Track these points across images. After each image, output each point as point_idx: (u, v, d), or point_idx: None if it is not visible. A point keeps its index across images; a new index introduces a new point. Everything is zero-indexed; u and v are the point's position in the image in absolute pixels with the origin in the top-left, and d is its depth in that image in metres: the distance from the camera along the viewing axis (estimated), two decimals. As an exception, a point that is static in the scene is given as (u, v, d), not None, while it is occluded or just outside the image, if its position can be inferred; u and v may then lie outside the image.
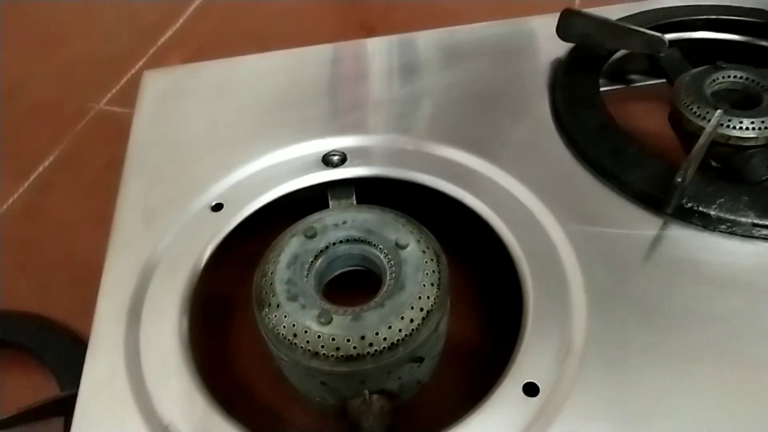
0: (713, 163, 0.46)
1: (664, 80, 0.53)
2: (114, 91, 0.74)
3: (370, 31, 0.77)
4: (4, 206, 0.62)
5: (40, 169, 0.65)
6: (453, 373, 0.40)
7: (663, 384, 0.33)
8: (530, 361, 0.34)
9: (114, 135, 0.68)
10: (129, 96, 0.72)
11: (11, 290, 0.54)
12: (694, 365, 0.33)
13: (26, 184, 0.64)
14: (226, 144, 0.48)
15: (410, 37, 0.58)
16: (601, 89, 0.50)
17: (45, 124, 0.71)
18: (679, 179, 0.37)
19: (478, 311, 0.43)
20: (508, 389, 0.33)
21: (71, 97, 0.73)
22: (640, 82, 0.57)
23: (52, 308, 0.52)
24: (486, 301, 0.43)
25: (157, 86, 0.54)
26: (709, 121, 0.43)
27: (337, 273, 0.39)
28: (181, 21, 0.83)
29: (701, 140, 0.38)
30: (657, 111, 0.52)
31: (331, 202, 0.45)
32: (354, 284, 0.39)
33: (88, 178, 0.64)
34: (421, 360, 0.35)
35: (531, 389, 0.33)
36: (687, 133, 0.46)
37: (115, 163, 0.63)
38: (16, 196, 0.63)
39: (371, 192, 0.45)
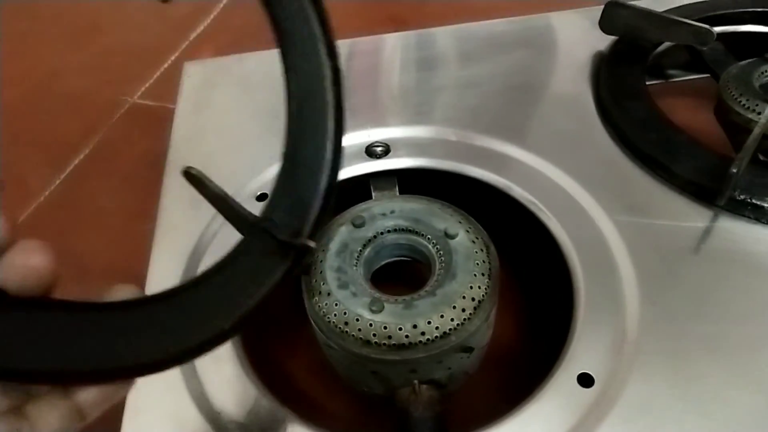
0: (761, 157, 0.45)
1: (705, 75, 0.52)
2: (148, 84, 0.74)
3: (401, 25, 0.77)
4: (42, 197, 0.62)
5: (76, 160, 0.66)
6: (498, 366, 0.40)
7: (720, 375, 0.32)
8: (584, 352, 0.33)
9: (148, 128, 0.68)
10: (163, 89, 0.73)
11: (52, 279, 0.55)
12: (750, 356, 0.33)
13: (62, 176, 0.64)
14: (269, 134, 0.48)
15: (444, 29, 0.58)
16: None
17: (80, 116, 0.71)
18: (734, 170, 0.36)
19: (525, 304, 0.42)
20: (563, 380, 0.33)
21: (105, 89, 0.74)
22: (681, 77, 0.57)
23: (93, 295, 0.53)
24: (533, 294, 0.42)
25: (198, 77, 0.55)
26: (760, 113, 0.43)
27: (384, 262, 0.39)
28: (213, 15, 0.83)
29: (756, 131, 0.38)
30: (699, 106, 0.51)
31: (374, 194, 0.45)
32: (396, 276, 0.39)
33: (123, 170, 0.65)
34: (471, 350, 0.35)
35: (586, 380, 0.33)
36: (735, 126, 0.45)
37: (149, 156, 0.64)
38: (53, 187, 0.63)
39: (414, 183, 0.45)
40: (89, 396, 0.23)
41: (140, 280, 0.41)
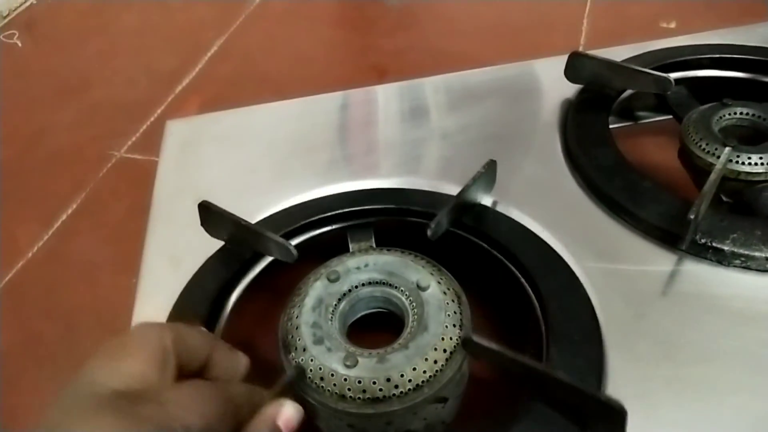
0: (724, 198, 0.47)
1: (671, 116, 0.54)
2: (134, 138, 0.76)
3: (383, 74, 0.79)
4: (30, 253, 0.63)
5: (64, 216, 0.67)
6: (476, 413, 0.40)
7: (687, 418, 0.33)
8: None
9: (135, 181, 0.70)
10: (149, 143, 0.75)
11: (38, 336, 0.56)
12: (717, 398, 0.34)
13: (51, 231, 0.66)
14: (247, 191, 0.49)
15: (421, 82, 0.60)
16: (611, 126, 0.51)
17: (67, 171, 0.73)
18: (692, 216, 0.38)
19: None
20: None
21: (93, 143, 0.76)
22: (648, 118, 0.59)
23: (79, 352, 0.54)
24: (507, 340, 0.43)
25: (179, 135, 0.56)
26: (719, 157, 0.45)
27: (359, 315, 0.40)
28: (198, 68, 0.85)
29: (712, 177, 0.39)
30: (666, 146, 0.53)
31: (351, 245, 0.46)
32: (375, 325, 0.40)
33: (110, 224, 0.66)
34: (445, 400, 0.36)
35: (555, 425, 0.33)
36: (697, 169, 0.47)
37: (136, 209, 0.65)
38: (41, 243, 0.65)
39: (391, 236, 0.46)
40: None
41: None
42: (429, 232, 0.40)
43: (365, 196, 0.48)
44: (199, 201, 0.43)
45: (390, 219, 0.46)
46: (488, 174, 0.45)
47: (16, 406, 0.50)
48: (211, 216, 0.44)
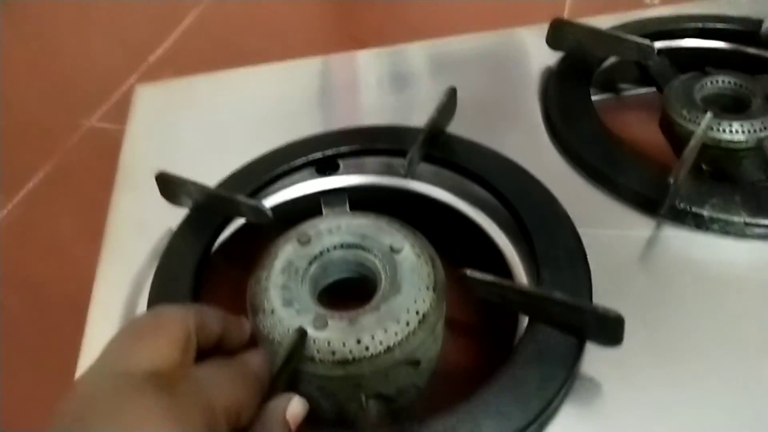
0: (705, 167, 0.46)
1: (653, 89, 0.53)
2: (105, 107, 0.74)
3: (362, 45, 0.78)
4: (-5, 223, 0.62)
5: (30, 185, 0.65)
6: (451, 377, 0.40)
7: (663, 381, 0.33)
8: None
9: (105, 151, 0.67)
10: (120, 113, 0.72)
11: (5, 306, 0.54)
12: (695, 361, 0.33)
13: (16, 200, 0.64)
14: (219, 155, 0.47)
15: (402, 48, 0.59)
16: (592, 98, 0.50)
17: (36, 141, 0.71)
18: (672, 179, 0.37)
19: (474, 316, 0.42)
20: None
21: (62, 113, 0.74)
22: (629, 90, 0.58)
23: (45, 321, 0.52)
24: (482, 307, 0.42)
25: (150, 101, 0.54)
26: (700, 125, 0.44)
27: (332, 280, 0.39)
28: (171, 38, 0.83)
29: (692, 142, 0.39)
30: (647, 119, 0.52)
31: (324, 211, 0.45)
32: (347, 294, 0.39)
33: (79, 194, 0.64)
34: (417, 364, 0.35)
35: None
36: (678, 138, 0.46)
37: (106, 179, 0.63)
38: (5, 212, 0.63)
39: (364, 201, 0.45)
40: None
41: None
42: (403, 171, 0.40)
43: (331, 138, 0.47)
44: (165, 168, 0.42)
45: (363, 179, 0.45)
46: (450, 101, 0.45)
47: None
48: (171, 186, 0.42)
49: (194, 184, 0.41)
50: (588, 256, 0.38)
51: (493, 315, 0.42)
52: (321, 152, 0.46)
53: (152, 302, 0.38)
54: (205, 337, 0.29)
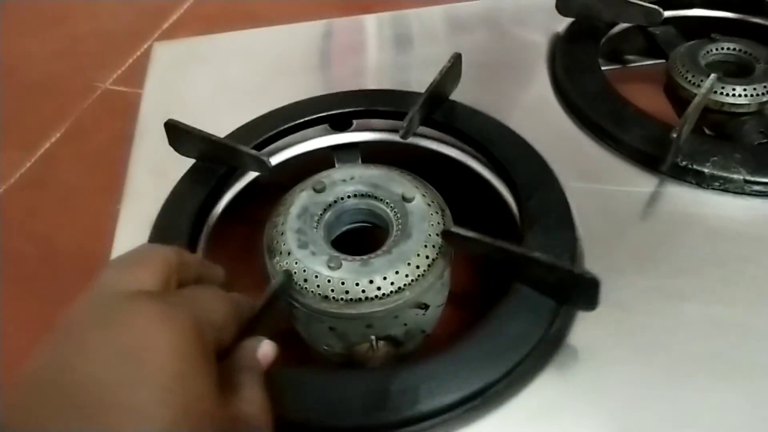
0: (707, 131, 0.47)
1: (660, 60, 0.54)
2: (120, 70, 0.75)
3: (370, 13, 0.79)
4: (12, 179, 0.63)
5: (47, 144, 0.66)
6: (456, 326, 0.41)
7: (659, 324, 0.34)
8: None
9: (120, 112, 0.69)
10: (135, 76, 0.74)
11: (19, 256, 0.55)
12: (688, 305, 0.35)
13: (33, 159, 0.65)
14: (235, 108, 0.49)
15: (408, 12, 0.60)
16: (599, 68, 0.51)
17: (51, 101, 0.72)
18: (674, 135, 0.38)
19: (481, 268, 0.44)
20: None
21: (77, 75, 0.74)
22: (636, 62, 0.59)
23: (59, 272, 0.54)
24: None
25: (167, 57, 0.56)
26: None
27: (344, 228, 0.40)
28: (186, 5, 0.84)
29: (696, 99, 0.40)
30: (653, 90, 0.53)
31: (337, 165, 0.46)
32: (358, 246, 0.40)
33: (93, 152, 0.65)
34: (426, 307, 0.36)
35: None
36: (682, 102, 0.47)
37: (120, 139, 0.64)
38: (23, 169, 0.64)
39: (376, 156, 0.46)
40: None
41: (107, 260, 0.41)
42: (401, 132, 0.41)
43: (335, 99, 0.48)
44: (187, 115, 0.43)
45: (376, 136, 0.46)
46: (455, 67, 0.46)
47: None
48: (179, 134, 0.43)
49: (199, 132, 0.42)
50: (589, 211, 0.40)
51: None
52: (331, 111, 0.47)
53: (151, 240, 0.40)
54: (184, 275, 0.30)
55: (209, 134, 0.42)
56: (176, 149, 0.44)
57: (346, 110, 0.47)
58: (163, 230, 0.41)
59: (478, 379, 0.32)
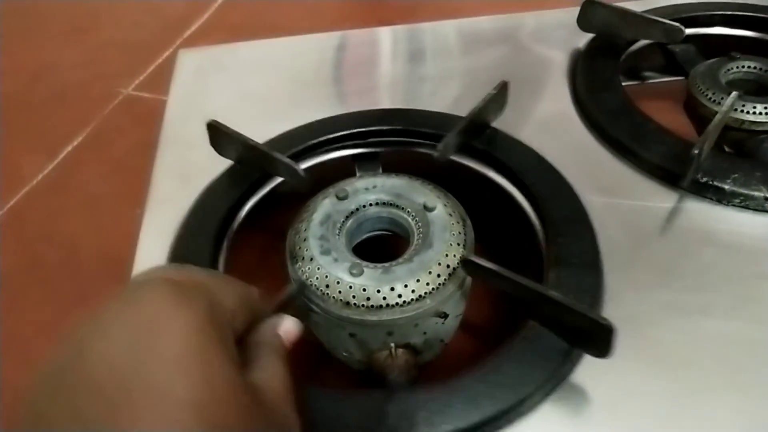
0: (727, 149, 0.48)
1: (679, 77, 0.55)
2: (142, 77, 0.76)
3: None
4: (34, 181, 0.64)
5: (69, 148, 0.67)
6: (474, 336, 0.41)
7: (678, 337, 0.34)
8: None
9: (141, 118, 0.70)
10: (157, 82, 0.75)
11: (40, 260, 0.56)
12: (708, 321, 0.35)
13: (55, 162, 0.66)
14: (259, 117, 0.50)
15: (429, 25, 0.61)
16: (618, 84, 0.52)
17: (73, 106, 0.73)
18: (696, 151, 0.38)
19: (497, 297, 0.44)
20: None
21: (99, 81, 0.76)
22: (655, 78, 0.59)
23: (80, 276, 0.54)
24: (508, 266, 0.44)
25: (192, 64, 0.57)
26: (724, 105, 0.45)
27: (365, 236, 0.41)
28: (207, 14, 0.85)
29: (717, 117, 0.40)
30: (672, 107, 0.53)
31: (358, 173, 0.47)
32: (377, 253, 0.41)
33: (115, 158, 0.66)
34: (445, 316, 0.37)
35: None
36: (702, 119, 0.47)
37: (142, 145, 0.65)
38: (45, 172, 0.65)
39: (397, 166, 0.47)
40: None
41: (128, 264, 0.42)
42: (436, 153, 0.41)
43: (373, 116, 0.48)
44: (202, 127, 0.44)
45: (397, 145, 0.47)
46: (500, 95, 0.46)
47: (17, 323, 0.51)
48: (220, 136, 0.44)
49: (240, 136, 0.43)
50: (609, 225, 0.40)
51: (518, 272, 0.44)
52: (370, 127, 0.47)
53: (178, 239, 0.41)
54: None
55: (249, 139, 0.43)
56: (216, 149, 0.45)
57: (385, 128, 0.47)
58: (193, 226, 0.42)
59: (478, 413, 0.32)
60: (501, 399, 0.32)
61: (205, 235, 0.41)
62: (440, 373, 0.38)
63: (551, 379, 0.33)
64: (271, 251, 0.42)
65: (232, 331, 0.27)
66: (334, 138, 0.47)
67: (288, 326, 0.31)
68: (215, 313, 0.26)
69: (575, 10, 0.55)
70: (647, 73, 0.59)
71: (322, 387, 0.34)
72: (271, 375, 0.27)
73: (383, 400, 0.33)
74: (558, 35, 0.57)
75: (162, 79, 0.70)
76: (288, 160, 0.42)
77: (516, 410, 0.32)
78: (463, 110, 0.47)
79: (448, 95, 0.51)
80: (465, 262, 0.36)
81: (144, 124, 0.68)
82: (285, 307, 0.34)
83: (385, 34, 0.60)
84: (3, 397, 0.44)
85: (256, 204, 0.46)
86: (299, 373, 0.31)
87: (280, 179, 0.46)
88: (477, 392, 0.32)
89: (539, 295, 0.34)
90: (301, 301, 0.36)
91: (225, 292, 0.28)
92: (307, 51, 0.58)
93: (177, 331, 0.23)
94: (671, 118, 0.52)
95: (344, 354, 0.38)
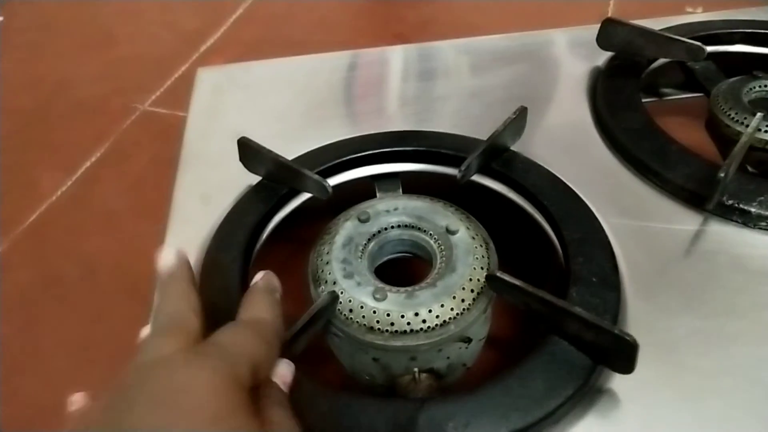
0: (750, 169, 0.47)
1: (699, 94, 0.54)
2: (158, 93, 0.76)
3: (405, 42, 0.80)
4: (53, 197, 0.64)
5: (87, 164, 0.68)
6: (496, 360, 0.41)
7: (706, 365, 0.34)
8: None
9: (158, 134, 0.70)
10: (173, 98, 0.75)
11: (59, 276, 0.56)
12: (736, 348, 0.35)
13: (74, 178, 0.66)
14: (278, 136, 0.49)
15: (446, 43, 0.61)
16: (638, 101, 0.51)
17: (91, 122, 0.73)
18: (722, 174, 0.38)
19: (520, 312, 0.44)
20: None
21: (116, 96, 0.76)
22: (675, 95, 0.59)
23: (99, 292, 0.54)
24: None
25: (210, 82, 0.57)
26: (747, 126, 0.45)
27: (386, 258, 0.41)
28: (223, 28, 0.86)
29: (743, 139, 0.40)
30: (692, 123, 0.53)
31: (378, 194, 0.47)
32: (399, 274, 0.41)
33: (133, 174, 0.66)
34: (469, 341, 0.36)
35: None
36: (724, 139, 0.47)
37: (159, 161, 0.66)
38: (64, 188, 0.65)
39: (417, 186, 0.47)
40: None
41: (147, 279, 0.42)
42: (458, 175, 0.41)
43: (394, 138, 0.48)
44: (230, 141, 0.44)
45: (417, 167, 0.47)
46: (519, 120, 0.46)
47: (36, 339, 0.51)
48: (249, 152, 0.45)
49: (270, 152, 0.43)
50: (632, 248, 0.40)
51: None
52: (394, 148, 0.48)
53: (210, 250, 0.42)
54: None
55: (278, 155, 0.44)
56: (245, 165, 0.46)
57: (406, 149, 0.48)
58: (223, 240, 0.42)
59: (506, 426, 0.32)
60: (530, 412, 0.32)
61: (236, 247, 0.41)
62: (459, 386, 0.38)
63: (577, 394, 0.33)
64: (291, 266, 0.42)
65: (255, 381, 0.29)
66: (355, 159, 0.47)
67: (281, 371, 0.32)
68: (234, 372, 0.27)
69: (593, 28, 0.55)
70: (666, 90, 0.59)
71: (353, 396, 0.33)
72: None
73: (413, 410, 0.32)
74: (577, 53, 0.57)
75: (178, 95, 0.71)
76: (317, 177, 0.42)
77: (543, 423, 0.32)
78: (480, 130, 0.47)
79: (468, 113, 0.51)
80: (490, 278, 0.36)
81: (161, 140, 0.69)
82: (316, 320, 0.34)
83: (399, 52, 0.60)
84: (9, 406, 0.45)
85: (283, 218, 0.46)
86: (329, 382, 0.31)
87: (306, 195, 0.46)
88: (504, 404, 0.32)
89: (563, 310, 0.34)
90: (332, 319, 0.36)
91: (250, 346, 0.30)
92: (321, 70, 0.58)
93: (196, 399, 0.26)
94: (691, 135, 0.52)
95: (367, 378, 0.38)
